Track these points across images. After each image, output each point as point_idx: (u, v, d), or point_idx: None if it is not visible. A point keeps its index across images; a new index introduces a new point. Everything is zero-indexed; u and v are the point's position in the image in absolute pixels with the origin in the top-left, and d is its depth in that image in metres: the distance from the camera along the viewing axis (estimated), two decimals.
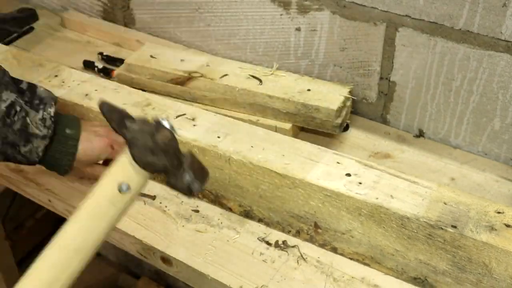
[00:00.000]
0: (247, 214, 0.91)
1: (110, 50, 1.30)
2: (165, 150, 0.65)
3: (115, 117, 0.68)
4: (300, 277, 0.82)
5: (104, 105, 0.70)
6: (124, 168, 0.65)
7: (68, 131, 0.85)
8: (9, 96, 0.80)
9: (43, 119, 0.82)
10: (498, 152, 1.01)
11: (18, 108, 0.80)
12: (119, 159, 0.66)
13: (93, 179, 0.84)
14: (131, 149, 0.65)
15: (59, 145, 0.84)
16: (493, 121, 0.98)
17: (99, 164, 0.88)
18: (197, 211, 0.93)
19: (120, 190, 0.63)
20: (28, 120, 0.81)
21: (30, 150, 0.82)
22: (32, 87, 0.84)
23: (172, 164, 0.66)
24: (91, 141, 0.86)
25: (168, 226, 0.90)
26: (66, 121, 0.86)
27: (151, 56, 1.13)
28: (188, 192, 0.68)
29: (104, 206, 0.63)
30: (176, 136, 0.68)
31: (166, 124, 0.67)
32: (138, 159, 0.65)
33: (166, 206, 0.94)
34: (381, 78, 1.07)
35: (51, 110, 0.83)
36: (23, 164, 0.85)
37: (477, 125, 1.00)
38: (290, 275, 0.82)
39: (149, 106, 0.97)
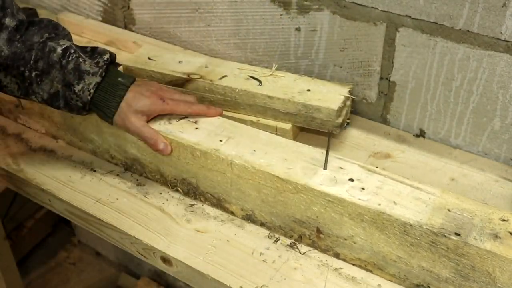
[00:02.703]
0: (249, 218, 0.91)
1: None
2: None
3: None
4: (300, 277, 0.82)
5: None
6: None
7: (120, 79, 0.90)
8: (65, 43, 0.88)
9: (96, 62, 0.88)
10: (498, 152, 1.01)
11: (72, 51, 0.88)
12: None
13: (138, 135, 0.90)
14: None
15: (109, 87, 0.88)
16: (493, 121, 0.98)
17: (148, 124, 0.91)
18: (197, 211, 0.93)
19: None
20: (81, 59, 0.87)
21: (82, 88, 0.87)
22: (93, 48, 0.91)
23: None
24: (141, 91, 0.90)
25: (168, 226, 0.90)
26: (120, 73, 0.92)
27: (149, 58, 1.12)
28: None
29: None
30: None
31: None
32: None
33: (166, 206, 0.94)
34: (381, 78, 1.07)
35: (106, 56, 0.89)
36: (78, 111, 0.90)
37: (477, 125, 1.00)
38: (290, 275, 0.82)
39: None
